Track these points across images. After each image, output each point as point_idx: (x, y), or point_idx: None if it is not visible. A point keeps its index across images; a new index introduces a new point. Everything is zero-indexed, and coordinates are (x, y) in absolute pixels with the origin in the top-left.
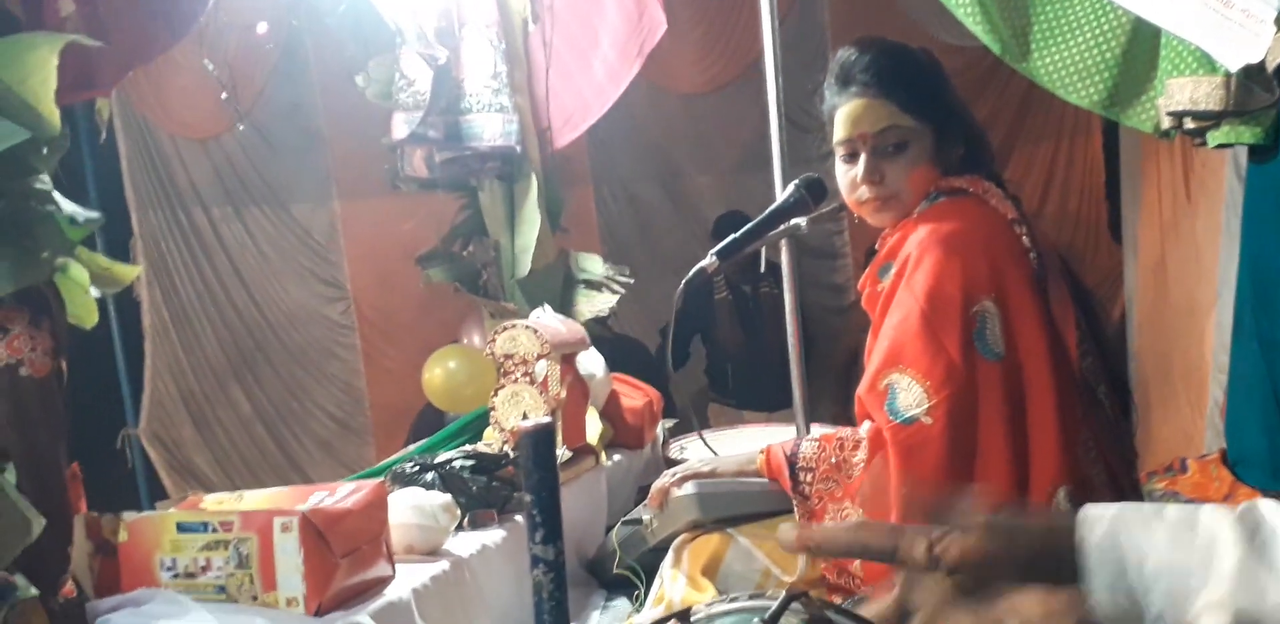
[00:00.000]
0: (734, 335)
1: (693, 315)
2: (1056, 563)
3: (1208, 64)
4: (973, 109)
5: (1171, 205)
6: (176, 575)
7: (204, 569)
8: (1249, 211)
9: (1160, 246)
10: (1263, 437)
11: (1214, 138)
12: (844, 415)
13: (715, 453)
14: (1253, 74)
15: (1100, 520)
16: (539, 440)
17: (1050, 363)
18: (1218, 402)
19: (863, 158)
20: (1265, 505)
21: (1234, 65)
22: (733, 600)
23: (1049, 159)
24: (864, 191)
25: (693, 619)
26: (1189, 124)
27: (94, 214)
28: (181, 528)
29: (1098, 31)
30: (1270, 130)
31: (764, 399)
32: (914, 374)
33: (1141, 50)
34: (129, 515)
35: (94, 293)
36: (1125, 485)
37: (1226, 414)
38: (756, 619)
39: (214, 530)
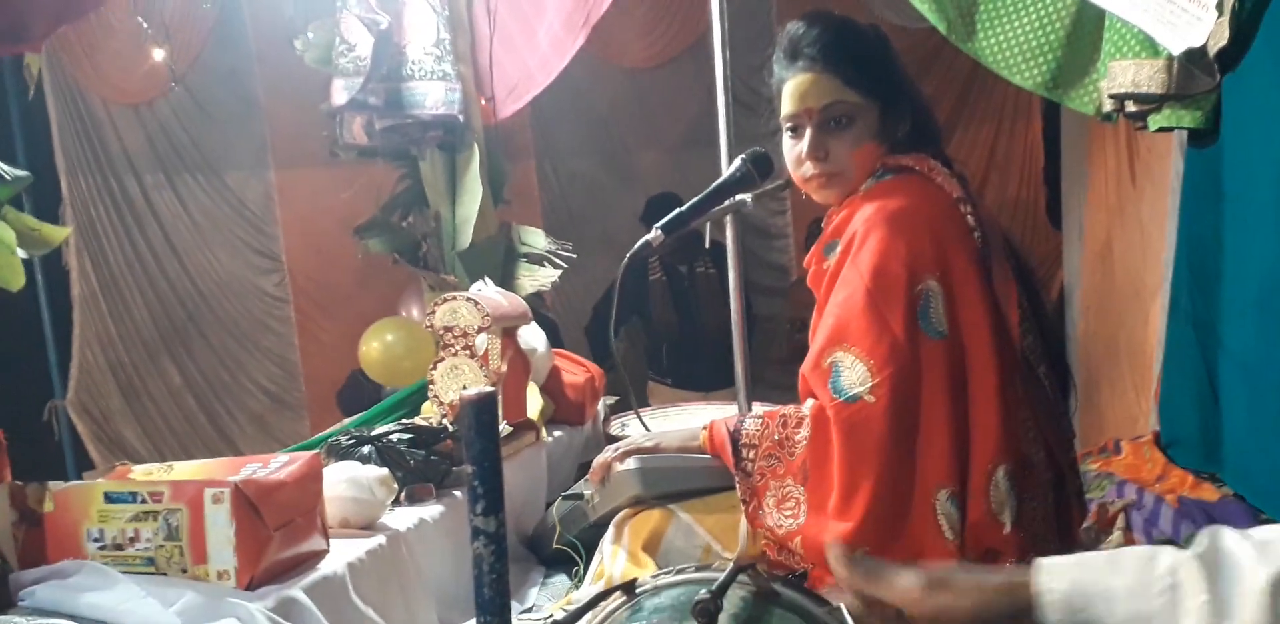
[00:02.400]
0: (668, 316)
1: (628, 296)
2: (1015, 615)
3: (1150, 47)
4: None
5: (1116, 190)
6: (104, 547)
7: (132, 541)
8: (1187, 195)
9: (1106, 231)
10: (1195, 419)
11: (1155, 121)
12: (782, 395)
13: (650, 431)
14: (1194, 58)
15: (1060, 574)
16: (481, 410)
17: (993, 342)
18: None
19: (808, 133)
20: (1227, 537)
21: (1176, 49)
22: (679, 572)
23: (989, 142)
24: (809, 167)
25: (638, 591)
26: (1130, 107)
27: (22, 173)
28: (110, 498)
29: (1043, 13)
30: (1210, 114)
31: (701, 380)
32: (858, 352)
33: (1085, 32)
34: (55, 485)
35: (21, 255)
36: (1063, 464)
37: (1160, 396)
38: (704, 591)
39: (143, 501)
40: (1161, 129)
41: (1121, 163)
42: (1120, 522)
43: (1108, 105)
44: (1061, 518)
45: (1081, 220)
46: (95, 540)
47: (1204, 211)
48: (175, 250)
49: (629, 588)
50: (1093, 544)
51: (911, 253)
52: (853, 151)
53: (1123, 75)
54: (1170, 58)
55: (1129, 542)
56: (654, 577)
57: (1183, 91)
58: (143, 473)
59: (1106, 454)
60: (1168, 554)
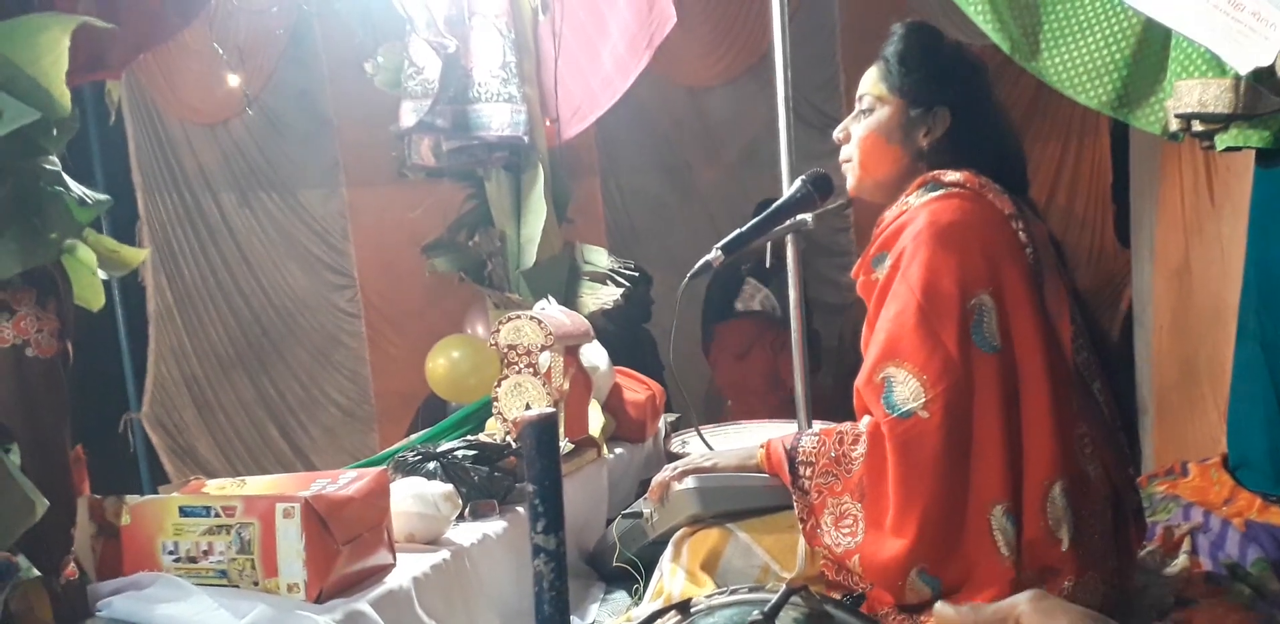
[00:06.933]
0: None
1: (718, 305)
2: None
3: (1217, 66)
4: None
5: (1194, 208)
6: (178, 559)
7: (206, 554)
8: (1255, 215)
9: (1184, 250)
10: (1264, 441)
11: (1222, 141)
12: (846, 412)
13: (713, 449)
14: (1262, 77)
15: None
16: (542, 430)
17: (1045, 357)
18: None
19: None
20: None
21: (1244, 68)
22: (733, 593)
23: (1056, 160)
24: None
25: (693, 610)
26: (1197, 126)
27: (102, 196)
28: (184, 512)
29: (1108, 32)
30: (1279, 134)
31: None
32: (911, 368)
33: (1151, 51)
34: (132, 498)
35: (101, 275)
36: (1119, 481)
37: (1228, 417)
38: (757, 612)
39: (216, 515)
40: (1229, 148)
41: (1199, 181)
42: (1186, 545)
43: (1174, 125)
44: (1120, 536)
45: (1153, 238)
46: (170, 553)
47: (1273, 231)
48: (250, 266)
49: (684, 607)
50: (1158, 567)
51: (963, 268)
52: (860, 137)
53: (1189, 95)
54: (1237, 77)
55: (1194, 566)
56: (708, 597)
57: (1250, 111)
58: (216, 488)
59: (1173, 476)
60: None
